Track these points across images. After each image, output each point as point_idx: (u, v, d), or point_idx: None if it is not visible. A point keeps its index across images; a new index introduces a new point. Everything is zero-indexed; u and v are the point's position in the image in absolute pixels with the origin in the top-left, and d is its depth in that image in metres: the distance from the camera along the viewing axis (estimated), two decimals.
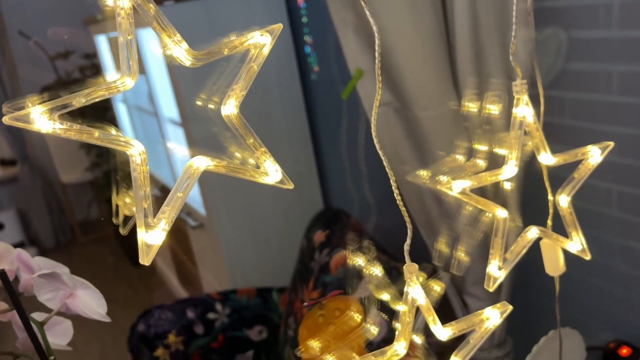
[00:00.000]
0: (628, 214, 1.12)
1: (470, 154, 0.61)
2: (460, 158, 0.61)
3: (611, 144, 0.57)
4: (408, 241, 0.51)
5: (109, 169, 3.43)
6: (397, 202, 0.53)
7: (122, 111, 2.94)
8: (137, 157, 0.36)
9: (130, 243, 2.86)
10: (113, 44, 2.67)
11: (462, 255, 0.61)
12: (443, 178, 0.55)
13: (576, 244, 0.59)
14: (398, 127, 0.89)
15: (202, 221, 2.02)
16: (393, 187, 0.53)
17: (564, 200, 0.58)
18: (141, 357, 1.66)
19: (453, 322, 0.55)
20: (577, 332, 0.87)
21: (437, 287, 0.62)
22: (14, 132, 3.54)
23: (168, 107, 2.09)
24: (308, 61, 1.85)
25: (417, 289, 0.51)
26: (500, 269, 0.56)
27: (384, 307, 0.64)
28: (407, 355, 0.71)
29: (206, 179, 1.85)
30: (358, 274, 1.23)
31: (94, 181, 3.64)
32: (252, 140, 0.41)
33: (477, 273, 0.92)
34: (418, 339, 0.62)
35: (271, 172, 0.42)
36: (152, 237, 0.37)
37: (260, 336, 1.71)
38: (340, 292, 0.62)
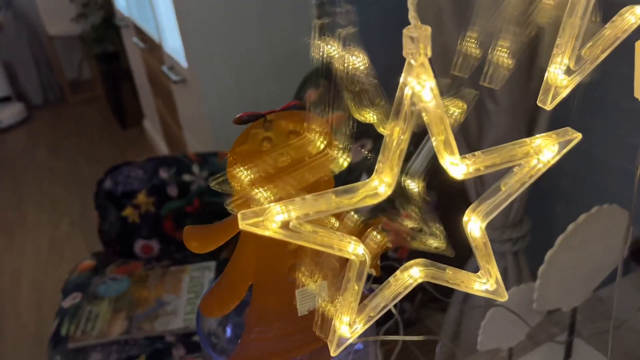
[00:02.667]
0: None
1: None
2: None
3: None
4: None
5: (96, 22, 3.12)
6: None
7: None
8: None
9: (120, 105, 2.63)
10: None
11: (502, 58, 0.37)
12: None
13: None
14: None
15: (184, 75, 1.77)
16: None
17: None
18: (108, 215, 1.51)
19: (477, 153, 0.33)
20: (627, 211, 0.66)
21: (456, 110, 0.39)
22: None
23: None
24: None
25: (427, 81, 0.28)
26: (570, 72, 0.33)
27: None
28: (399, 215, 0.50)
29: (188, 24, 1.58)
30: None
31: (83, 36, 3.34)
32: None
33: None
34: (414, 185, 0.40)
35: None
36: None
37: None
38: (298, 104, 0.39)
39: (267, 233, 0.31)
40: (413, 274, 0.35)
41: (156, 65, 2.11)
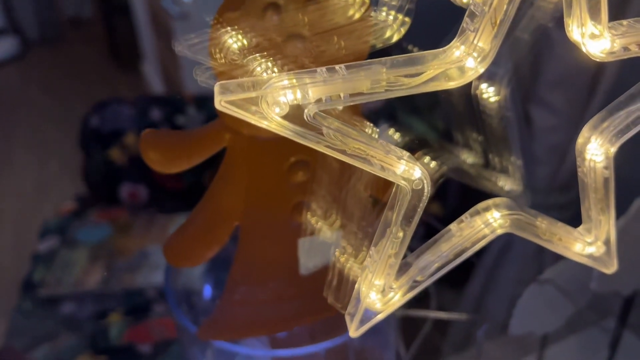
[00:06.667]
0: None
1: None
2: None
3: None
4: None
5: None
6: None
7: None
8: None
9: (119, 45, 2.48)
10: None
11: None
12: None
13: None
14: None
15: (187, 9, 1.61)
16: None
17: None
18: (93, 155, 1.38)
19: (626, 22, 0.20)
20: None
21: None
22: None
23: None
24: None
25: None
26: None
27: None
28: None
29: None
30: None
31: None
32: None
33: None
34: (491, 92, 0.26)
35: None
36: None
37: None
38: None
39: (264, 124, 0.18)
40: (491, 219, 0.22)
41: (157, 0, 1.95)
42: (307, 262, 0.34)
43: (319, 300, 0.35)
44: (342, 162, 0.26)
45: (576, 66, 0.58)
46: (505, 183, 0.29)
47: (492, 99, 0.26)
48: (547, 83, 0.60)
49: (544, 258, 0.71)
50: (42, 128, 2.43)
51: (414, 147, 0.27)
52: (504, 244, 0.72)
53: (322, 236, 0.27)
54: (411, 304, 0.42)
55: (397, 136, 0.28)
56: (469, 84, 0.29)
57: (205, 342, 0.38)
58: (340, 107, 0.24)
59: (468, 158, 0.31)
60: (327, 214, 0.27)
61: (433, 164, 0.26)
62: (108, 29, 2.96)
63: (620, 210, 0.53)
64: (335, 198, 0.26)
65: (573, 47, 0.57)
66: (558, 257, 0.67)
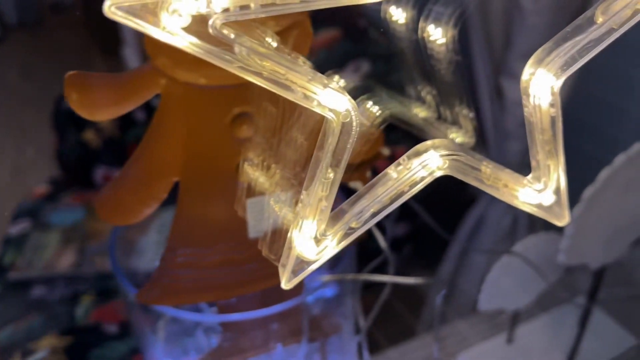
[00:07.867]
0: None
1: None
2: None
3: None
4: None
5: None
6: None
7: None
8: None
9: (100, 30, 2.42)
10: None
11: None
12: None
13: None
14: None
15: None
16: None
17: None
18: (67, 137, 1.35)
19: None
20: None
21: None
22: None
23: None
24: None
25: None
26: None
27: None
28: None
29: None
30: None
31: None
32: None
33: None
34: (438, 34, 0.25)
35: None
36: None
37: None
38: None
39: (164, 36, 0.16)
40: (429, 161, 0.21)
41: None
42: (257, 224, 0.33)
43: (271, 266, 0.33)
44: (279, 107, 0.25)
45: (549, 37, 0.56)
46: (457, 135, 0.27)
47: (440, 42, 0.25)
48: (519, 54, 0.59)
49: (517, 234, 0.70)
50: (21, 113, 2.38)
51: (357, 94, 0.26)
52: (477, 220, 0.71)
53: (260, 188, 0.26)
54: (370, 270, 0.40)
55: (342, 83, 0.26)
56: (417, 29, 0.27)
57: (154, 313, 0.37)
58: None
59: (420, 112, 0.29)
60: (265, 164, 0.25)
61: (375, 108, 0.24)
62: (88, 13, 2.91)
63: (588, 182, 0.52)
64: (271, 145, 0.25)
65: (545, 18, 0.55)
66: (530, 233, 0.66)
